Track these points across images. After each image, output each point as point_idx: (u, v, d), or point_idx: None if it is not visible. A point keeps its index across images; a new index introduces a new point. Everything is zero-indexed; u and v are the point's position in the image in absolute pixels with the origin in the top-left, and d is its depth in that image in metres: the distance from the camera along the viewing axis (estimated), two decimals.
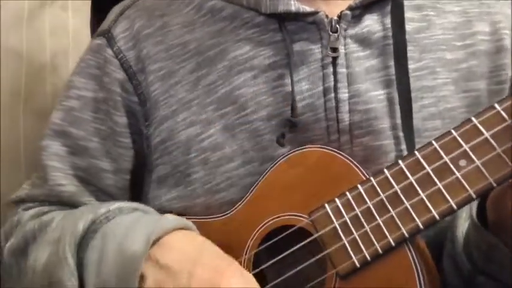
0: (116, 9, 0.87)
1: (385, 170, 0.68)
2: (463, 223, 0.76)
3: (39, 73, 1.11)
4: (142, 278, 0.69)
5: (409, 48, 0.77)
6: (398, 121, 0.77)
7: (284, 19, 0.78)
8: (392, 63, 0.77)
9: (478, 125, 0.64)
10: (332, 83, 0.77)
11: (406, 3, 0.79)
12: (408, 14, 0.79)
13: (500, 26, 0.82)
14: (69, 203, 0.84)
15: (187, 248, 0.71)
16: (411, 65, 0.78)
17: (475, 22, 0.82)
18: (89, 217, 0.74)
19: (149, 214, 0.77)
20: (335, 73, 0.77)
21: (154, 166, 0.82)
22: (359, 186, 0.69)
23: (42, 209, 0.84)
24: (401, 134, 0.76)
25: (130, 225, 0.73)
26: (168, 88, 0.81)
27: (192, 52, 0.81)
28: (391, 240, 0.66)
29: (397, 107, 0.77)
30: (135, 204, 0.79)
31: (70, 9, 1.14)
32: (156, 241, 0.70)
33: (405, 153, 0.75)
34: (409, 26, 0.79)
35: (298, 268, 0.71)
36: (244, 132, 0.79)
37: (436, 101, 0.79)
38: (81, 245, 0.73)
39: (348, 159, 0.72)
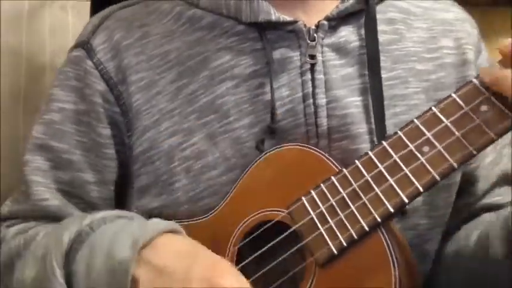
0: (93, 20, 0.89)
1: (356, 161, 0.74)
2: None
3: (39, 73, 1.12)
4: (135, 282, 0.70)
5: (381, 58, 0.84)
6: (374, 126, 0.82)
7: (265, 28, 0.82)
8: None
9: (438, 113, 0.71)
10: (310, 89, 0.82)
11: (378, 16, 0.86)
12: (381, 27, 0.86)
13: (462, 42, 0.90)
14: (54, 217, 0.84)
15: (181, 248, 0.73)
16: (384, 75, 0.84)
17: (440, 38, 0.90)
18: (73, 229, 0.75)
19: (134, 220, 0.78)
20: (313, 79, 0.82)
21: (136, 176, 0.84)
22: (332, 177, 0.74)
23: (27, 225, 0.85)
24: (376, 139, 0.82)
25: (115, 233, 0.74)
26: (149, 98, 0.84)
27: (172, 62, 0.84)
28: (365, 225, 0.71)
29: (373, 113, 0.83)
30: (119, 212, 0.80)
31: (70, 9, 1.16)
32: (147, 244, 0.72)
33: None
34: (381, 38, 0.85)
35: (278, 260, 0.75)
36: (226, 140, 0.82)
37: (407, 109, 0.85)
38: (68, 257, 0.74)
39: (321, 153, 0.77)
